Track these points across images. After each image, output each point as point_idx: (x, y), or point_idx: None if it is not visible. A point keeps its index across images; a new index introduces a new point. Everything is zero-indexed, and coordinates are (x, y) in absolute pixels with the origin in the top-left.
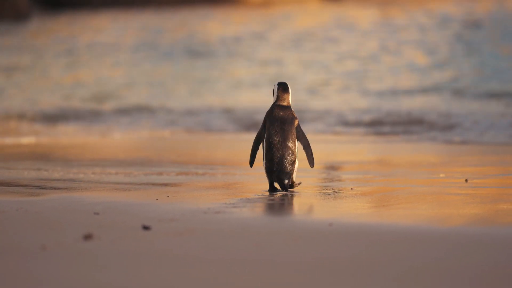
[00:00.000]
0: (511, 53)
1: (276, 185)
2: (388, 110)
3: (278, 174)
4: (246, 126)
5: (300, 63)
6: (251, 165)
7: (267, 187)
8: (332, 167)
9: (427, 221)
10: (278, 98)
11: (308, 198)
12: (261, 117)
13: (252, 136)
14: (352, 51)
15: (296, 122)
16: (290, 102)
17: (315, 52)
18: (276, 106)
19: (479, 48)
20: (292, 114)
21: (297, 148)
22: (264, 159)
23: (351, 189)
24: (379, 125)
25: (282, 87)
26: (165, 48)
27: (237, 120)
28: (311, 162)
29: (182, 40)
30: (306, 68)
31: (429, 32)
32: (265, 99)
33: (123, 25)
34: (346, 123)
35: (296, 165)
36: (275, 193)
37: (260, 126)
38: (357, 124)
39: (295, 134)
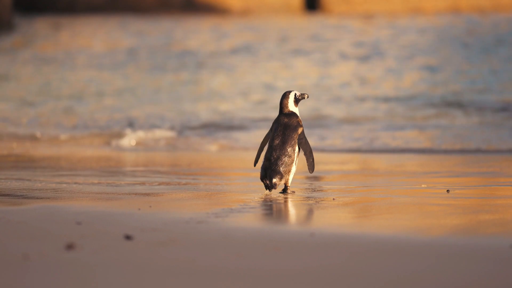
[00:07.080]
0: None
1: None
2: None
3: (270, 173)
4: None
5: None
6: (254, 164)
7: (249, 197)
8: (314, 177)
9: (409, 231)
10: (279, 107)
11: (290, 208)
12: None
13: None
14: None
15: (300, 130)
16: (292, 109)
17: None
18: (281, 114)
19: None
20: (298, 122)
21: (296, 154)
22: (264, 158)
23: (333, 199)
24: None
25: (281, 96)
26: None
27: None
28: (310, 168)
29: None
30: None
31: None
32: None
33: (105, 32)
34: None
35: (293, 170)
36: (270, 191)
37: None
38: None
39: (295, 140)
